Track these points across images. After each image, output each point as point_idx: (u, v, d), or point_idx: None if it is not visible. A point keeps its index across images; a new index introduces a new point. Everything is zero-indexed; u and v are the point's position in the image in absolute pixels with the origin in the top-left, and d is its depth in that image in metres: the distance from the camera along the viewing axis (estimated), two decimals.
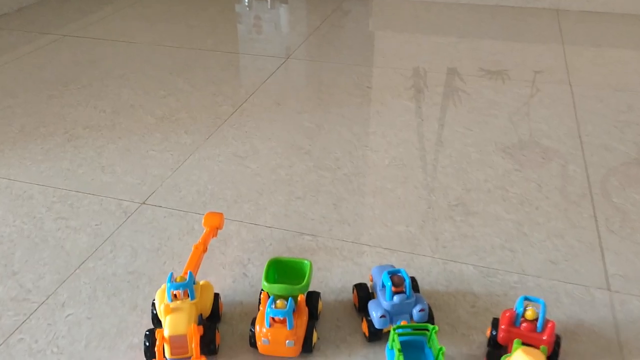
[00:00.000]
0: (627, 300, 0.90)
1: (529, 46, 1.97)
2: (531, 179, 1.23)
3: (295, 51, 1.93)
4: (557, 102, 1.56)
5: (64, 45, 1.97)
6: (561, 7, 2.25)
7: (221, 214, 0.98)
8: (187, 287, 0.80)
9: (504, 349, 0.78)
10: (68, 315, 0.89)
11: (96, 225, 1.09)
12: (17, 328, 0.87)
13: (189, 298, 0.80)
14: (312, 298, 0.86)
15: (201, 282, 0.85)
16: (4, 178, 1.24)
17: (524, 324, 0.76)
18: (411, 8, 2.30)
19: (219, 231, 1.03)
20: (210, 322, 0.85)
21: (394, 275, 0.82)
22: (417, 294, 0.84)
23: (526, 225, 1.08)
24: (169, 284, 0.80)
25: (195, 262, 0.88)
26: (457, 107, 1.54)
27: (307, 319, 0.81)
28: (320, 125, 1.45)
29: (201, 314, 0.82)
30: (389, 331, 0.80)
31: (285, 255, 1.01)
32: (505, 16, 2.20)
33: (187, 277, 0.81)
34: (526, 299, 0.78)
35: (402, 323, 0.79)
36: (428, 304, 0.83)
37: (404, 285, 0.81)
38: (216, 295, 0.87)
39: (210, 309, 0.84)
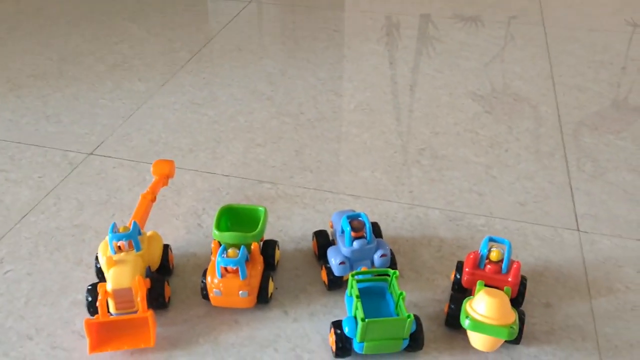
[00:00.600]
0: (596, 240, 0.87)
1: None
2: (502, 121, 1.18)
3: None
4: (530, 44, 1.51)
5: None
6: None
7: (171, 161, 0.91)
8: (130, 238, 0.74)
9: (469, 292, 0.75)
10: (7, 271, 0.82)
11: (39, 177, 1.01)
12: None
13: (134, 249, 0.74)
14: (269, 247, 0.80)
15: (149, 233, 0.79)
16: None
17: (489, 266, 0.73)
18: None
19: (171, 180, 0.96)
20: (160, 274, 0.79)
21: (354, 220, 0.77)
22: (379, 239, 0.79)
23: (495, 168, 1.04)
24: (111, 235, 0.74)
25: (142, 212, 0.82)
26: (428, 51, 1.47)
27: (262, 269, 0.77)
28: (284, 71, 1.38)
29: (149, 267, 0.77)
30: None
31: (243, 203, 0.95)
32: None
33: (131, 227, 0.75)
34: (491, 239, 0.74)
35: (362, 269, 0.75)
36: (390, 249, 0.78)
37: (364, 230, 0.76)
38: (166, 247, 0.81)
39: (159, 261, 0.79)
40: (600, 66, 1.39)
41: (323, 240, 0.82)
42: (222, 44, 1.50)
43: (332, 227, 0.84)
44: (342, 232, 0.77)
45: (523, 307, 0.74)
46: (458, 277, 0.75)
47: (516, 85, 1.31)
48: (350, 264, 0.76)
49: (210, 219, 0.91)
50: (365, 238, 0.76)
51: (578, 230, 0.89)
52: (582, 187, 0.99)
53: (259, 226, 0.78)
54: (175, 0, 1.77)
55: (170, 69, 1.37)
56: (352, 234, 0.76)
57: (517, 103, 1.24)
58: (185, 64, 1.39)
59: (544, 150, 1.08)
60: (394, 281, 0.70)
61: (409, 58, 1.44)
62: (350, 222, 0.76)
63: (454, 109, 1.22)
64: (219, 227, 0.78)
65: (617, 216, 0.92)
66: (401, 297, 0.68)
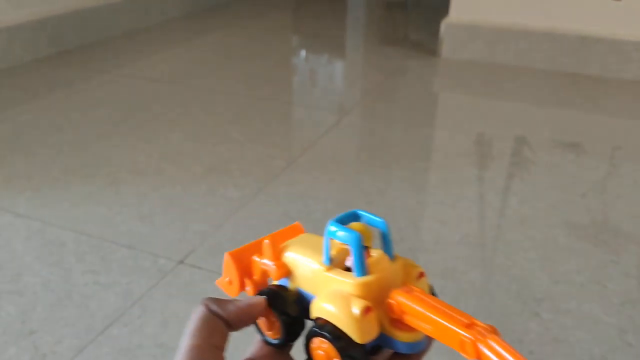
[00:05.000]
0: None
1: (610, 119, 1.80)
2: (631, 274, 1.04)
3: (354, 107, 1.83)
4: None
5: (120, 85, 1.93)
6: None
7: None
8: None
9: None
10: None
11: (127, 283, 0.96)
12: None
13: None
14: None
15: None
16: (37, 220, 1.14)
17: None
18: (481, 70, 2.18)
19: None
20: None
21: None
22: None
23: (630, 333, 0.89)
24: None
25: None
26: (536, 182, 1.38)
27: None
28: (381, 189, 1.32)
29: None
30: None
31: None
32: (584, 86, 2.06)
33: None
34: None
35: None
36: None
37: None
38: None
39: None
40: None
41: None
42: (317, 155, 1.48)
43: None
44: None
45: None
46: None
47: None
48: None
49: None
50: None
51: None
52: None
53: None
54: (272, 106, 1.80)
55: (266, 177, 1.35)
56: None
57: None
58: (280, 174, 1.37)
59: None
60: None
61: (516, 188, 1.35)
62: None
63: (572, 252, 1.10)
64: None
65: None
66: None
